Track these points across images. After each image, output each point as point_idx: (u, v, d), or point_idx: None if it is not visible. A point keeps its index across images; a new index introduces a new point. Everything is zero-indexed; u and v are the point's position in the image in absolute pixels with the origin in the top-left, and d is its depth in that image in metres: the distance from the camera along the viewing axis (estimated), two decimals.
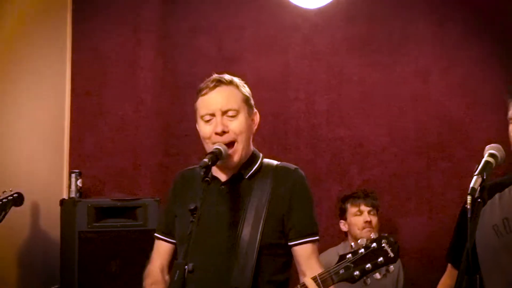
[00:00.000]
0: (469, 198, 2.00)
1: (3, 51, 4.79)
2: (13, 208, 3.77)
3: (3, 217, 3.58)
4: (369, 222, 4.50)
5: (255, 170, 2.79)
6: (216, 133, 2.65)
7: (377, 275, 2.31)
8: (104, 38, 5.23)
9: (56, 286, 4.70)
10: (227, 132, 2.66)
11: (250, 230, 2.67)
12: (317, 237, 2.73)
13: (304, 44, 5.24)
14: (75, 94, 5.18)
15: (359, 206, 4.56)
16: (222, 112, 2.68)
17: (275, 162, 2.84)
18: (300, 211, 2.74)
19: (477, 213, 2.05)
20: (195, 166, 2.81)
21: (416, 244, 4.93)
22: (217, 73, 2.83)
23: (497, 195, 2.48)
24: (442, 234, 4.74)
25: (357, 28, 5.17)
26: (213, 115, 2.68)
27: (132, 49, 5.26)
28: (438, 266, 4.55)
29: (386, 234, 2.37)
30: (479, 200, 2.03)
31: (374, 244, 2.33)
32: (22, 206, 4.60)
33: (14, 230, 4.78)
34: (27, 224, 4.93)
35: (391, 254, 2.31)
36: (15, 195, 3.66)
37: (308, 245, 2.70)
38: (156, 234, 2.95)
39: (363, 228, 4.45)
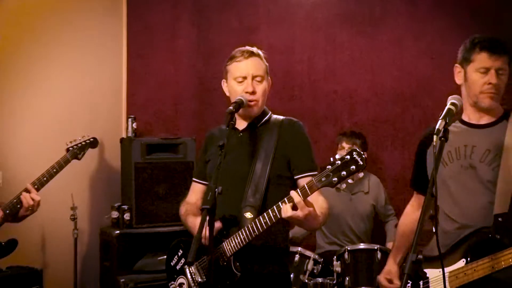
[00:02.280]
0: (435, 137, 2.10)
1: (73, 24, 4.86)
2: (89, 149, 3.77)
3: (82, 156, 3.55)
4: None
5: (264, 121, 2.89)
6: (247, 92, 2.75)
7: (350, 180, 2.28)
8: (151, 13, 5.35)
9: (118, 203, 4.79)
10: (256, 92, 2.78)
11: (261, 165, 2.78)
12: (316, 172, 2.73)
13: (306, 19, 5.34)
14: (129, 57, 5.34)
15: (341, 143, 4.65)
16: (253, 76, 2.78)
17: (281, 117, 2.92)
18: (302, 154, 2.82)
19: (441, 149, 2.13)
20: (220, 126, 2.98)
21: (393, 172, 5.07)
22: (238, 42, 2.96)
23: None
24: (412, 165, 4.91)
25: (348, 6, 5.24)
26: (245, 78, 2.77)
27: (172, 21, 5.39)
28: (410, 188, 4.72)
29: (355, 148, 2.39)
30: (442, 138, 2.11)
31: (347, 157, 2.34)
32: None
33: (87, 161, 4.72)
34: (96, 157, 5.01)
35: (361, 163, 2.31)
36: (91, 139, 3.65)
37: (309, 178, 2.65)
38: (193, 178, 3.09)
39: None
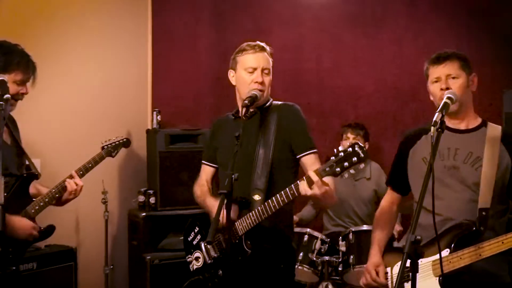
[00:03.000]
0: (432, 128, 2.08)
1: (105, 27, 4.87)
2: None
3: (116, 154, 3.43)
4: None
5: (265, 108, 2.89)
6: (256, 82, 2.76)
7: (352, 171, 2.40)
8: (173, 16, 5.33)
9: (144, 188, 4.84)
10: (264, 83, 2.79)
11: (264, 150, 2.78)
12: (316, 150, 2.80)
13: (313, 20, 5.32)
14: (154, 56, 5.33)
15: (346, 133, 4.61)
16: (262, 69, 2.79)
17: (279, 102, 2.93)
18: (301, 135, 2.82)
19: (437, 141, 2.10)
20: (227, 113, 3.02)
21: (392, 161, 5.13)
22: (252, 41, 2.90)
23: (423, 136, 2.58)
24: None
25: (351, 8, 5.22)
26: (255, 69, 2.78)
27: (192, 24, 5.37)
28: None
29: (357, 142, 2.39)
30: (439, 129, 2.09)
31: (350, 149, 2.35)
32: (121, 133, 4.53)
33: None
34: None
35: (362, 155, 2.33)
36: (125, 139, 3.53)
37: (311, 156, 2.79)
38: (202, 161, 3.12)
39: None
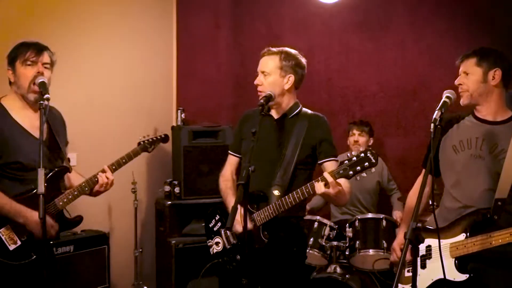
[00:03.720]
0: (432, 125, 2.10)
1: (136, 34, 4.85)
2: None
3: (152, 149, 3.28)
4: (357, 141, 4.54)
5: (295, 113, 2.85)
6: (256, 84, 2.80)
7: (364, 174, 2.29)
8: (196, 23, 5.32)
9: (170, 179, 4.82)
10: (262, 84, 2.78)
11: (291, 151, 2.76)
12: (337, 158, 2.79)
13: (322, 26, 5.29)
14: (179, 59, 5.30)
15: (352, 130, 4.61)
16: (261, 72, 2.80)
17: (310, 111, 2.90)
18: (326, 143, 2.80)
19: (437, 135, 2.11)
20: (254, 108, 2.90)
21: (396, 154, 5.02)
22: (266, 46, 2.88)
23: (455, 125, 2.55)
24: (412, 148, 4.89)
25: (357, 14, 5.17)
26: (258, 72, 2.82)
27: (213, 30, 5.37)
28: (409, 168, 4.80)
29: (370, 148, 2.43)
30: (438, 126, 2.11)
31: (362, 154, 2.37)
32: (148, 130, 4.57)
33: None
34: None
35: (373, 160, 2.34)
36: (163, 135, 3.39)
37: (333, 162, 2.77)
38: (229, 151, 3.08)
39: (353, 144, 4.55)
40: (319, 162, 2.80)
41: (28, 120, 2.67)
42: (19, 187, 2.60)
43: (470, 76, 2.43)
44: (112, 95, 4.59)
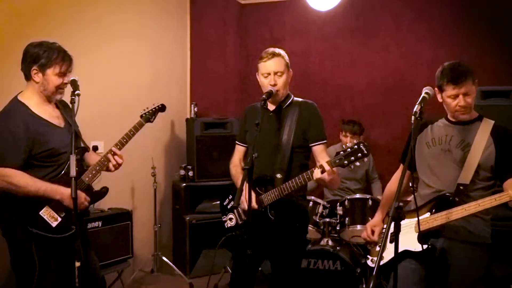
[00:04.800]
0: (413, 118, 2.09)
1: (153, 41, 4.82)
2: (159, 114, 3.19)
3: (154, 119, 3.06)
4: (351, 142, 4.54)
5: (288, 103, 2.82)
6: (271, 84, 2.71)
7: (357, 163, 2.30)
8: (207, 29, 5.31)
9: (184, 164, 4.84)
10: (277, 84, 2.71)
11: (287, 137, 2.74)
12: (325, 141, 2.77)
13: (318, 31, 5.29)
14: (192, 61, 5.34)
15: (346, 132, 4.54)
16: (274, 72, 2.72)
17: (300, 99, 2.86)
18: (315, 127, 2.77)
19: (417, 127, 2.11)
20: (256, 103, 2.88)
21: (380, 142, 5.01)
22: (272, 46, 2.82)
23: (429, 126, 2.54)
24: (394, 137, 4.89)
25: (348, 22, 5.17)
26: (269, 73, 2.72)
27: (222, 34, 5.35)
28: (392, 154, 4.80)
29: (362, 141, 2.39)
30: (418, 118, 2.09)
31: (356, 146, 2.37)
32: (166, 121, 4.95)
33: (163, 134, 4.97)
34: (168, 132, 5.08)
35: (365, 152, 2.35)
36: (160, 105, 3.14)
37: (321, 146, 2.75)
38: (236, 141, 3.03)
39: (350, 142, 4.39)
40: (310, 145, 2.77)
41: (47, 112, 2.65)
42: (50, 171, 2.59)
43: (471, 95, 2.37)
44: (136, 91, 4.58)
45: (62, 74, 2.59)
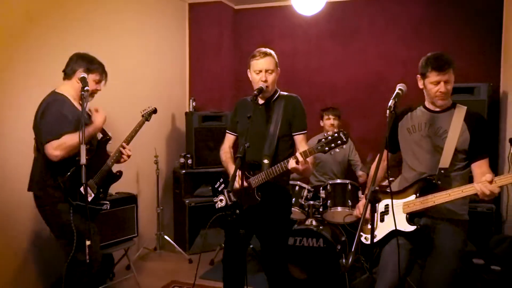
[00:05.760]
0: (388, 111, 2.09)
1: (156, 44, 4.77)
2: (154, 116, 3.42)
3: (150, 119, 3.34)
4: (333, 124, 4.46)
5: (276, 97, 2.80)
6: (262, 81, 2.69)
7: (337, 150, 2.33)
8: (204, 31, 5.27)
9: (184, 153, 4.82)
10: (267, 81, 2.70)
11: (273, 128, 2.74)
12: (305, 131, 2.77)
13: (304, 34, 5.26)
14: (191, 60, 5.32)
15: (328, 115, 4.51)
16: (266, 70, 2.70)
17: (286, 93, 2.84)
18: (298, 119, 2.76)
19: (391, 120, 2.10)
20: (246, 97, 2.88)
21: (359, 133, 4.96)
22: (263, 46, 2.81)
23: (409, 114, 2.50)
24: (371, 129, 4.87)
25: (331, 26, 5.14)
26: (261, 71, 2.70)
27: (218, 36, 5.29)
28: (369, 143, 4.78)
29: (342, 130, 2.37)
30: (393, 112, 2.09)
31: (336, 134, 2.36)
32: (167, 115, 4.93)
33: (165, 127, 4.94)
34: (169, 124, 5.04)
35: (344, 139, 2.35)
36: (153, 108, 3.39)
37: (301, 135, 2.76)
38: (227, 131, 3.02)
39: (329, 127, 4.45)
40: (292, 134, 2.77)
41: (78, 105, 2.79)
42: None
43: (451, 83, 2.35)
44: (141, 88, 4.54)
45: (98, 81, 2.84)
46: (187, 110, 5.16)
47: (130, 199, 4.05)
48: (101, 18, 4.02)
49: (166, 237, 4.65)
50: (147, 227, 4.69)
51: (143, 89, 4.58)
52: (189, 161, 4.75)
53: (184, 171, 4.73)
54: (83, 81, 2.57)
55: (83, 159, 2.23)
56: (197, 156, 4.76)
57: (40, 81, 3.26)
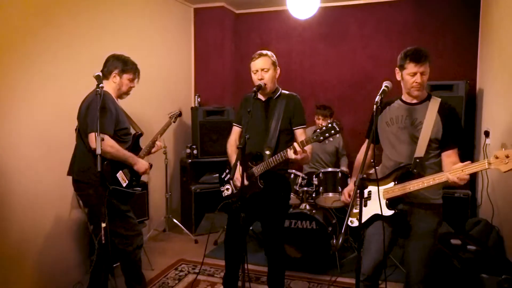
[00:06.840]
0: (374, 106, 2.07)
1: (163, 45, 4.72)
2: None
3: (176, 121, 3.51)
4: (321, 124, 4.37)
5: (277, 95, 2.79)
6: (258, 79, 2.69)
7: (331, 139, 2.33)
8: (208, 33, 5.24)
9: (190, 144, 4.81)
10: (263, 79, 2.69)
11: (275, 122, 2.72)
12: (305, 126, 2.77)
13: (298, 36, 5.23)
14: (196, 60, 5.28)
15: (318, 115, 4.41)
16: (261, 69, 2.70)
17: (287, 92, 2.83)
18: (298, 115, 2.76)
19: (377, 113, 2.12)
20: (249, 93, 2.80)
21: (349, 127, 4.93)
22: (261, 49, 2.82)
23: (387, 107, 2.46)
24: (359, 123, 4.82)
25: (323, 29, 5.11)
26: (257, 70, 2.70)
27: (220, 38, 5.26)
28: (358, 136, 4.62)
29: (335, 120, 2.38)
30: (379, 107, 2.09)
31: (330, 125, 2.37)
32: (175, 109, 4.73)
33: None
34: (178, 118, 5.12)
35: (337, 129, 2.37)
36: (178, 112, 3.57)
37: (301, 129, 2.75)
38: (233, 124, 2.99)
39: (320, 125, 4.36)
40: (292, 128, 2.76)
41: (117, 101, 2.87)
42: (125, 147, 2.84)
43: (426, 75, 2.31)
44: (150, 85, 4.51)
45: (132, 80, 2.87)
46: (193, 105, 5.11)
47: (142, 186, 4.04)
48: (114, 22, 3.97)
49: (174, 220, 4.65)
50: (157, 211, 4.68)
51: (154, 86, 4.55)
52: (195, 152, 4.74)
53: (190, 160, 4.72)
54: (98, 79, 2.51)
55: (98, 149, 2.22)
56: (202, 147, 4.74)
57: (47, 80, 3.16)
